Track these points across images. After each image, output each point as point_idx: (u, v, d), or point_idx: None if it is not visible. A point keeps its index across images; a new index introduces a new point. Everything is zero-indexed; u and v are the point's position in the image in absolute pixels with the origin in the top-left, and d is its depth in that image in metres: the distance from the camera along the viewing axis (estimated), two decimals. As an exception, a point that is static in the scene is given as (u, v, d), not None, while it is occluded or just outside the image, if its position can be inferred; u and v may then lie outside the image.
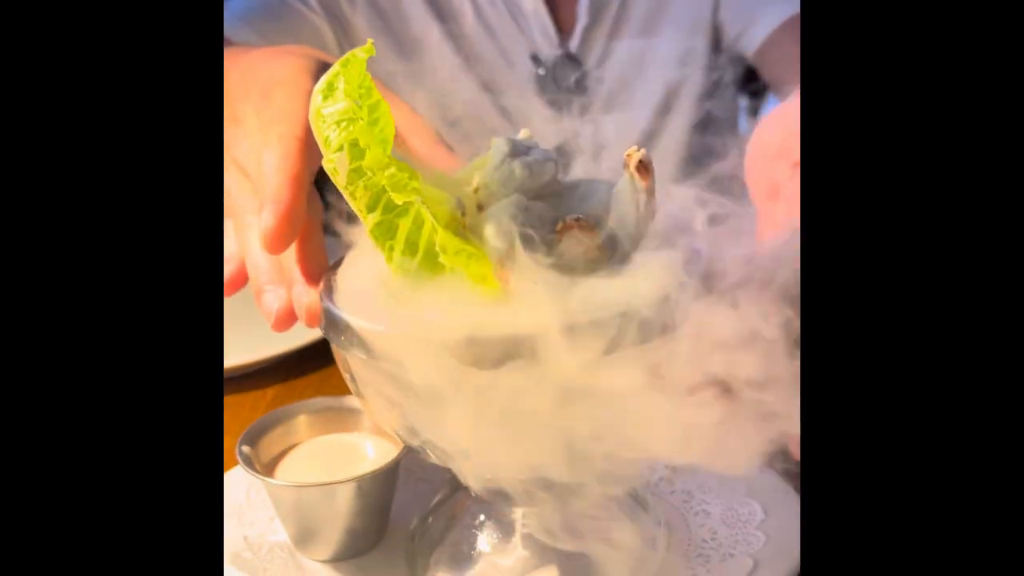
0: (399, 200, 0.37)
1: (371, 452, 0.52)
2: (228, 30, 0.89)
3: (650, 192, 0.38)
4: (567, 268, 0.36)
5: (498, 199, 0.39)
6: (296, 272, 0.45)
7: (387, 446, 0.51)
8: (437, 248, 0.36)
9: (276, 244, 0.43)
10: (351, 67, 0.38)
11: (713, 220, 0.39)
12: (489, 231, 0.37)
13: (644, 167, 0.37)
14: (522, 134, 0.42)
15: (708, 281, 0.35)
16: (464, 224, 0.39)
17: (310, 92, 0.40)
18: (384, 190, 0.37)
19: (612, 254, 0.37)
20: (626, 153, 0.38)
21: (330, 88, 0.38)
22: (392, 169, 0.37)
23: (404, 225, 0.38)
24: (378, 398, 0.40)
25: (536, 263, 0.35)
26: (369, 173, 0.37)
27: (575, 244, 0.36)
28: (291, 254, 0.45)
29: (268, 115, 0.46)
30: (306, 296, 0.43)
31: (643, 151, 0.38)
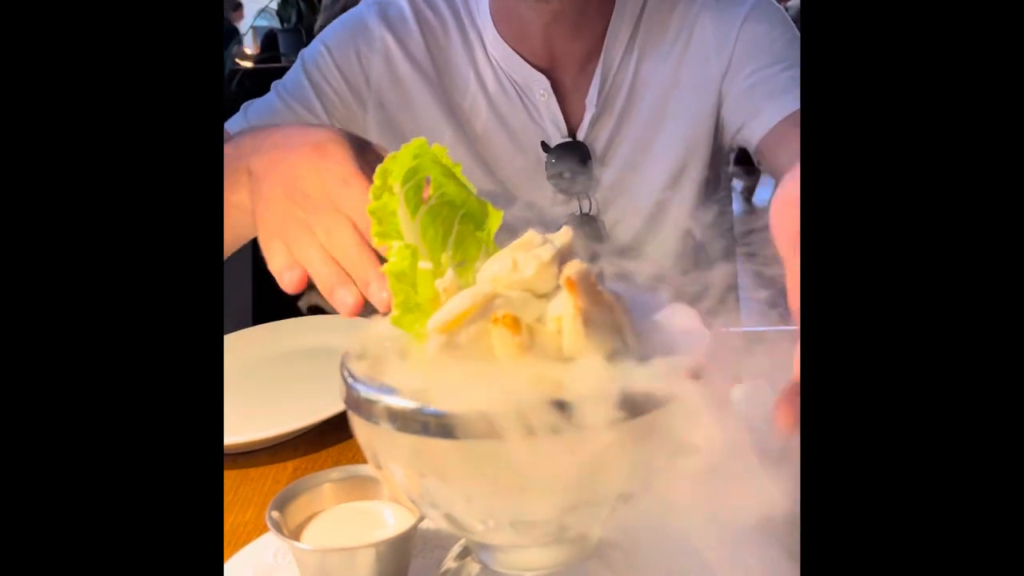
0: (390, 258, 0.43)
1: (390, 519, 0.56)
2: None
3: (579, 308, 0.39)
4: (487, 355, 0.39)
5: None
6: (370, 272, 0.56)
7: (405, 514, 0.56)
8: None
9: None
10: (398, 161, 0.44)
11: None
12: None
13: (572, 283, 0.39)
14: (561, 235, 0.44)
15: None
16: (440, 303, 0.43)
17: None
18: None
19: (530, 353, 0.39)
20: (565, 266, 0.40)
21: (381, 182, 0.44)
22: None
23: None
24: (394, 467, 0.43)
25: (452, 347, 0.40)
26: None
27: (498, 338, 0.39)
28: (351, 259, 0.57)
29: (331, 184, 0.60)
30: (382, 291, 0.55)
31: (580, 268, 0.39)
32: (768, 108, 0.96)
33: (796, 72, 0.96)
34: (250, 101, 1.03)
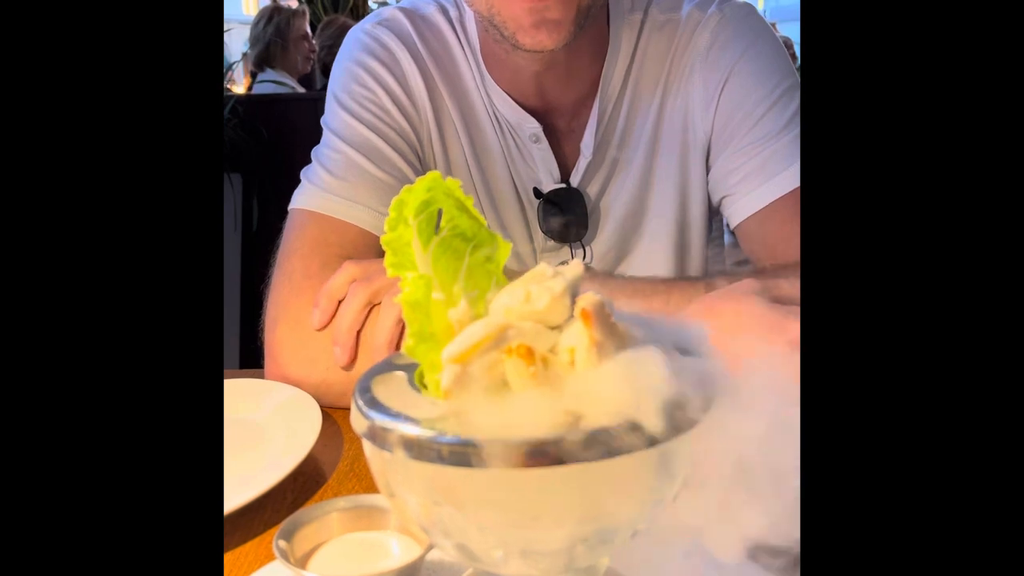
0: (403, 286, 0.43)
1: (396, 549, 0.56)
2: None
3: (594, 339, 0.39)
4: (500, 385, 0.40)
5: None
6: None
7: (412, 544, 0.56)
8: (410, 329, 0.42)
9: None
10: (413, 193, 0.45)
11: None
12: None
13: (587, 315, 0.39)
14: (573, 268, 0.44)
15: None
16: (453, 333, 0.43)
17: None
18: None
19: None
20: (579, 298, 0.41)
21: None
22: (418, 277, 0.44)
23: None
24: (407, 496, 0.44)
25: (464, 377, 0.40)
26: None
27: (512, 368, 0.39)
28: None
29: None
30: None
31: (596, 300, 0.40)
32: (747, 193, 0.95)
33: (775, 148, 0.94)
34: (319, 171, 0.97)
